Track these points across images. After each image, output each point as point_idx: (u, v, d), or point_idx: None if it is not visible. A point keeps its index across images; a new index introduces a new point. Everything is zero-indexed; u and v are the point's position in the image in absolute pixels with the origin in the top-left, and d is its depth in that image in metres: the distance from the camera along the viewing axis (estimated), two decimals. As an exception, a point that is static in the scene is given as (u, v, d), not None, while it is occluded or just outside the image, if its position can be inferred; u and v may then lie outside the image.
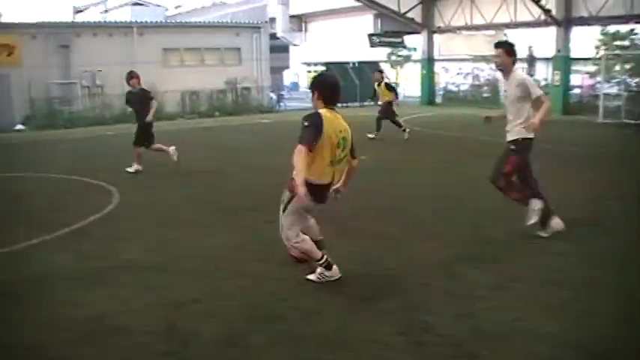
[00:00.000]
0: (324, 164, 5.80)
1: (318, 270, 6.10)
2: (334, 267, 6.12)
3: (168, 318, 5.35)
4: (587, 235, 7.86)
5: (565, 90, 28.18)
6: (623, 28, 28.54)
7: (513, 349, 4.73)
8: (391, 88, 19.55)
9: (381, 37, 38.14)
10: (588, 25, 28.06)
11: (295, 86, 52.99)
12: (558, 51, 28.08)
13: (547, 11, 27.52)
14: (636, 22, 26.81)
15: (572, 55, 28.56)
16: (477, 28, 32.75)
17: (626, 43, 28.66)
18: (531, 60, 34.22)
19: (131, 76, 13.95)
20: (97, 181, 12.33)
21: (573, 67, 29.83)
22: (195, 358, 4.70)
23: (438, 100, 36.82)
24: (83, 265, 6.99)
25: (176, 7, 64.32)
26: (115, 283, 6.29)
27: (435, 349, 4.73)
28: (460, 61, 35.80)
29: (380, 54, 40.49)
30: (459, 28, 33.79)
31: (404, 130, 18.37)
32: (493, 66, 32.05)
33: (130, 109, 14.91)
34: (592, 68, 31.05)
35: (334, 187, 6.18)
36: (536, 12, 28.57)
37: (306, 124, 5.72)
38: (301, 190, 5.40)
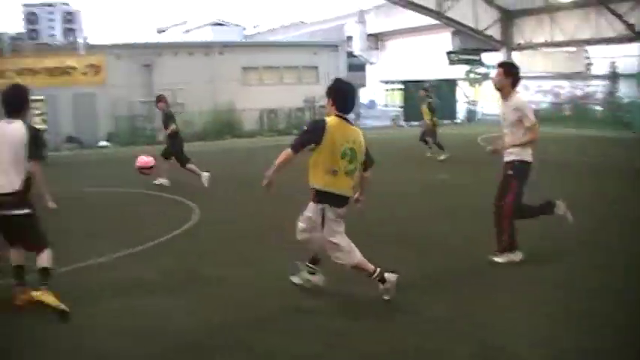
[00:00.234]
0: (335, 174, 5.72)
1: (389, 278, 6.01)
2: (392, 276, 6.04)
3: (247, 336, 5.34)
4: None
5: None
6: None
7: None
8: (432, 109, 18.94)
9: (459, 54, 37.79)
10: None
11: (372, 104, 52.89)
12: (643, 66, 27.29)
13: (630, 26, 26.74)
14: None
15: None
16: (558, 44, 32.10)
17: None
18: (614, 76, 33.29)
19: (158, 99, 14.97)
20: (178, 197, 12.52)
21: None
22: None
23: (518, 118, 36.07)
24: (164, 279, 7.07)
25: (255, 27, 65.27)
26: (194, 299, 6.34)
27: None
28: (540, 79, 35.11)
29: (458, 72, 40.08)
30: (539, 45, 33.20)
31: (440, 149, 18.14)
32: (575, 83, 31.49)
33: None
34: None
35: (355, 197, 6.19)
36: (619, 27, 27.81)
37: (304, 127, 5.84)
38: (264, 181, 5.74)
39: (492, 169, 7.97)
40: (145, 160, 14.20)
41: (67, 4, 39.07)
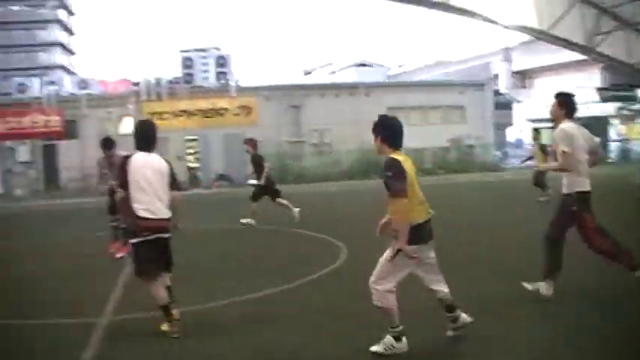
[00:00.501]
0: (416, 204, 5.50)
1: (387, 339, 5.56)
2: (404, 339, 5.57)
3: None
4: None
5: None
6: None
7: None
8: (544, 150, 17.64)
9: (612, 91, 36.30)
10: None
11: (519, 143, 51.65)
12: None
13: None
14: None
15: None
16: None
17: None
18: None
19: (245, 142, 15.64)
20: (326, 236, 12.58)
21: None
22: None
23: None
24: (307, 315, 7.04)
25: (399, 66, 65.68)
26: (338, 335, 6.26)
27: None
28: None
29: (609, 108, 38.47)
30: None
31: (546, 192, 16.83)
32: None
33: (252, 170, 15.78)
34: None
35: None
36: None
37: (389, 174, 5.42)
38: (408, 249, 5.34)
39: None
40: None
41: (218, 49, 40.86)
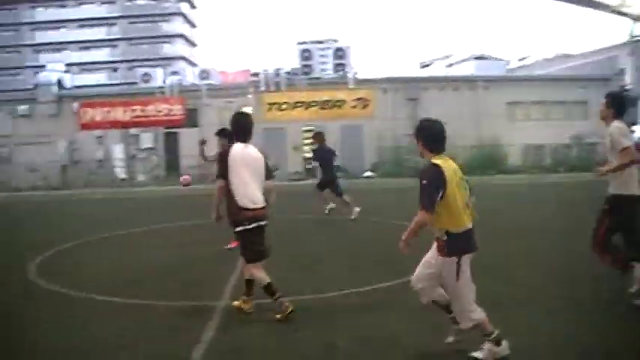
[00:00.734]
0: (460, 210, 5.19)
1: (487, 346, 5.30)
2: (503, 342, 5.28)
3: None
4: None
5: None
6: None
7: None
8: None
9: None
10: None
11: (645, 142, 49.43)
12: None
13: None
14: None
15: None
16: None
17: None
18: None
19: (312, 135, 16.43)
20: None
21: None
22: None
23: None
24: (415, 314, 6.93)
25: (519, 60, 63.98)
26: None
27: None
28: None
29: None
30: None
31: None
32: None
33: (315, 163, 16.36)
34: None
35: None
36: None
37: (424, 182, 5.13)
38: (401, 245, 5.33)
39: None
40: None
41: (336, 41, 40.99)
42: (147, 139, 35.33)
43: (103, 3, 78.16)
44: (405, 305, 6.83)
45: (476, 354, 5.33)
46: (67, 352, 5.95)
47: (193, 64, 69.34)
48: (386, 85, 32.36)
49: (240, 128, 6.99)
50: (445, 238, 5.20)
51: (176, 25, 79.51)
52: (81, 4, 77.77)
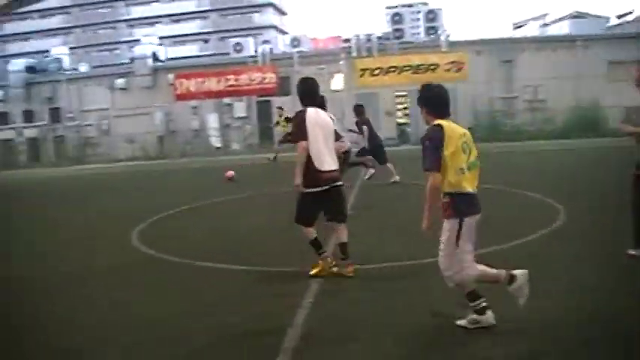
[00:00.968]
0: (456, 171, 5.07)
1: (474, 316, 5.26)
2: (488, 312, 5.22)
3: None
4: None
5: None
6: None
7: None
8: None
9: None
10: None
11: None
12: None
13: None
14: None
15: None
16: None
17: None
18: None
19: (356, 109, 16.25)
20: (541, 196, 12.16)
21: None
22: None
23: None
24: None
25: (619, 17, 61.17)
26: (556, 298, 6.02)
27: None
28: None
29: None
30: None
31: None
32: None
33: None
34: None
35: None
36: None
37: (426, 143, 5.11)
38: (424, 225, 5.22)
39: None
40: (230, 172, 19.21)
41: (426, 4, 40.42)
42: (240, 108, 35.90)
43: (192, -24, 79.36)
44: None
45: (461, 322, 5.35)
46: (177, 316, 6.22)
47: (284, 33, 69.65)
48: (479, 47, 31.67)
49: (306, 93, 7.21)
50: (447, 200, 5.18)
51: (266, -6, 79.94)
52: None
